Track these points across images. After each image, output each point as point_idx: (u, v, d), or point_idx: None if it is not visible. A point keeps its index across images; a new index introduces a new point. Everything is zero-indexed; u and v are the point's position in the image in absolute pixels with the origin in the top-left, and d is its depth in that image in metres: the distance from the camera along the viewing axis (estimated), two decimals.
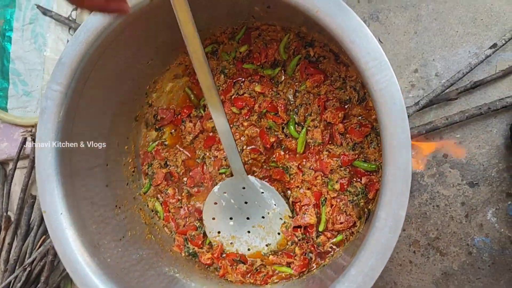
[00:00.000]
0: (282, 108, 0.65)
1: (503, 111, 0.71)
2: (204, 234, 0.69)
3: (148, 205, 0.72)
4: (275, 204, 0.66)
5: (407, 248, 0.76)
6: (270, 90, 0.66)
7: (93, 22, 0.54)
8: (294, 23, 0.62)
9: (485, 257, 0.73)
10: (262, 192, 0.65)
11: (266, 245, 0.67)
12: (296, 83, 0.65)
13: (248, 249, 0.67)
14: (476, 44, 0.73)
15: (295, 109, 0.66)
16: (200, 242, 0.69)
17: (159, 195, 0.72)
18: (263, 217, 0.67)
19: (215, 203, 0.67)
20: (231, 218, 0.67)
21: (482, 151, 0.73)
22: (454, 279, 0.74)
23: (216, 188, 0.66)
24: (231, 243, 0.67)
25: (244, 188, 0.65)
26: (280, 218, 0.66)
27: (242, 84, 0.69)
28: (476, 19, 0.74)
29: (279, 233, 0.67)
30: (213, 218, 0.68)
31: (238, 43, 0.69)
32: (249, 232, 0.67)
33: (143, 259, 0.62)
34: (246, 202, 0.66)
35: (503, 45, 0.69)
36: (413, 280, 0.76)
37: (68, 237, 0.54)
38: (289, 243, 0.66)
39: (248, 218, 0.67)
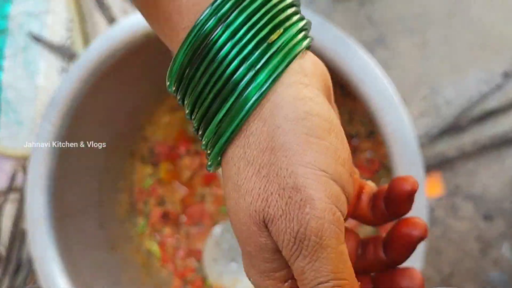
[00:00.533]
0: None
1: None
2: (205, 277, 0.66)
3: (144, 246, 0.69)
4: None
5: None
6: None
7: (88, 58, 0.52)
8: None
9: None
10: None
11: None
12: None
13: None
14: (486, 69, 0.72)
15: None
16: (200, 286, 0.65)
17: (156, 234, 0.69)
18: None
19: (217, 245, 0.64)
20: (233, 260, 0.64)
21: (496, 182, 0.70)
22: None
23: (217, 229, 0.63)
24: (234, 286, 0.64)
25: None
26: None
27: None
28: (485, 44, 0.72)
29: None
30: (214, 260, 0.64)
31: None
32: None
33: None
34: None
35: None
36: None
37: (60, 285, 0.51)
38: None
39: None
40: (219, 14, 0.22)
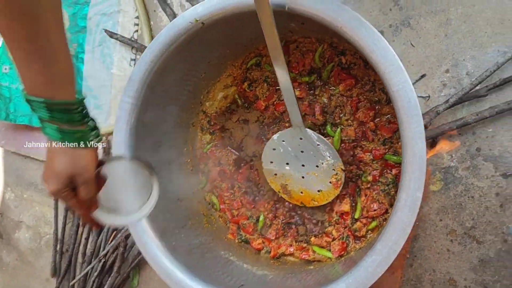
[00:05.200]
0: (319, 110, 0.73)
1: None
2: (255, 222, 0.78)
3: (205, 199, 0.82)
4: (329, 156, 0.72)
5: (445, 237, 0.81)
6: (308, 95, 0.74)
7: (157, 45, 0.65)
8: (326, 35, 0.70)
9: None
10: (318, 145, 0.71)
11: (318, 191, 0.74)
12: (331, 88, 0.73)
13: (301, 192, 0.75)
14: (504, 43, 0.77)
15: (331, 111, 0.74)
16: (251, 229, 0.78)
17: (214, 190, 0.82)
18: (317, 166, 0.73)
19: (274, 149, 0.74)
20: (287, 164, 0.74)
21: None
22: (491, 265, 0.79)
23: (275, 136, 0.73)
24: (286, 184, 0.75)
25: (301, 139, 0.71)
26: (333, 169, 0.72)
27: None
28: (504, 20, 0.77)
29: (330, 182, 0.73)
30: (271, 162, 0.75)
31: None
32: (303, 177, 0.74)
33: (202, 244, 0.72)
34: (302, 152, 0.73)
35: None
36: (451, 267, 0.81)
37: (142, 225, 0.65)
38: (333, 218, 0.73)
39: (303, 165, 0.74)
40: None
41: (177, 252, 0.65)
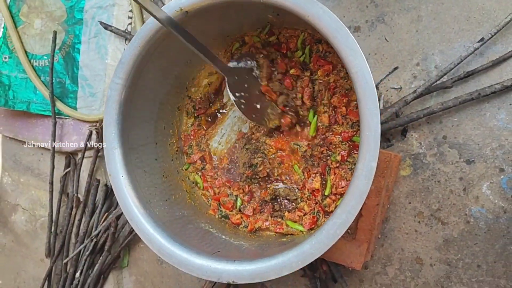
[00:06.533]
0: (308, 95, 0.79)
1: (494, 96, 0.81)
2: (235, 200, 0.84)
3: (189, 178, 0.88)
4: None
5: (413, 218, 0.87)
6: (302, 73, 0.80)
7: (145, 31, 0.71)
8: (301, 26, 0.76)
9: (481, 225, 0.83)
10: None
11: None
12: (313, 73, 0.80)
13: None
14: (469, 39, 0.83)
15: (315, 96, 0.80)
16: (231, 206, 0.84)
17: (197, 171, 0.88)
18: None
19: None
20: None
21: (477, 132, 0.83)
22: (454, 245, 0.85)
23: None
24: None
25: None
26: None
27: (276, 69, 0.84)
28: (470, 17, 0.83)
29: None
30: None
31: (266, 36, 0.83)
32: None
33: (184, 216, 0.77)
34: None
35: (489, 39, 0.79)
36: (418, 246, 0.87)
37: (127, 194, 0.71)
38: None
39: None
40: None
41: (160, 220, 0.70)
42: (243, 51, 0.83)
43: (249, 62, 0.78)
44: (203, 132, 0.88)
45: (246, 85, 0.76)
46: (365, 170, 0.54)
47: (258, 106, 0.77)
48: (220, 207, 0.85)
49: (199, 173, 0.87)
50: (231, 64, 0.77)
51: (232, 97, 0.75)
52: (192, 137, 0.88)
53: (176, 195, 0.81)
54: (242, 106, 0.76)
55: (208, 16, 0.70)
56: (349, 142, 0.76)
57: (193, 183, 0.87)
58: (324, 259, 0.87)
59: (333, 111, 0.78)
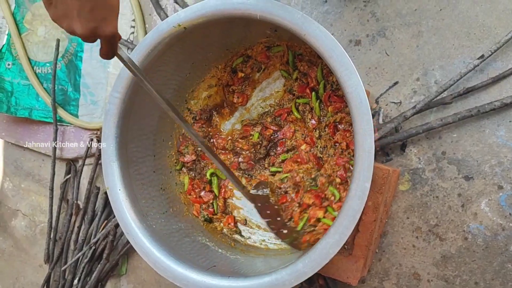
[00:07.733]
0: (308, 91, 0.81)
1: (493, 113, 0.81)
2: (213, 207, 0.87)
3: (179, 179, 0.89)
4: None
5: (411, 234, 0.87)
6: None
7: (143, 46, 0.72)
8: (296, 42, 0.76)
9: (479, 242, 0.82)
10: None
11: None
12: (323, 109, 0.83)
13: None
14: (470, 55, 0.83)
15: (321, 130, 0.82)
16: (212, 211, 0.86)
17: (188, 172, 0.89)
18: None
19: None
20: None
21: (476, 148, 0.82)
22: (452, 261, 0.84)
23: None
24: None
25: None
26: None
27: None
28: (470, 34, 0.83)
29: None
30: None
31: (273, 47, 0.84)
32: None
33: (181, 229, 0.78)
34: None
35: (489, 55, 0.79)
36: (416, 262, 0.87)
37: (124, 207, 0.71)
38: None
39: None
40: None
41: (157, 234, 0.71)
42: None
43: (265, 190, 0.83)
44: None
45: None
46: (359, 191, 0.54)
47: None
48: (202, 211, 0.85)
49: (190, 176, 0.87)
50: (252, 191, 0.82)
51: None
52: (190, 140, 0.88)
53: (174, 208, 0.82)
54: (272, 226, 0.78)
55: (207, 32, 0.71)
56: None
57: (179, 185, 0.88)
58: (320, 274, 0.87)
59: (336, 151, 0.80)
